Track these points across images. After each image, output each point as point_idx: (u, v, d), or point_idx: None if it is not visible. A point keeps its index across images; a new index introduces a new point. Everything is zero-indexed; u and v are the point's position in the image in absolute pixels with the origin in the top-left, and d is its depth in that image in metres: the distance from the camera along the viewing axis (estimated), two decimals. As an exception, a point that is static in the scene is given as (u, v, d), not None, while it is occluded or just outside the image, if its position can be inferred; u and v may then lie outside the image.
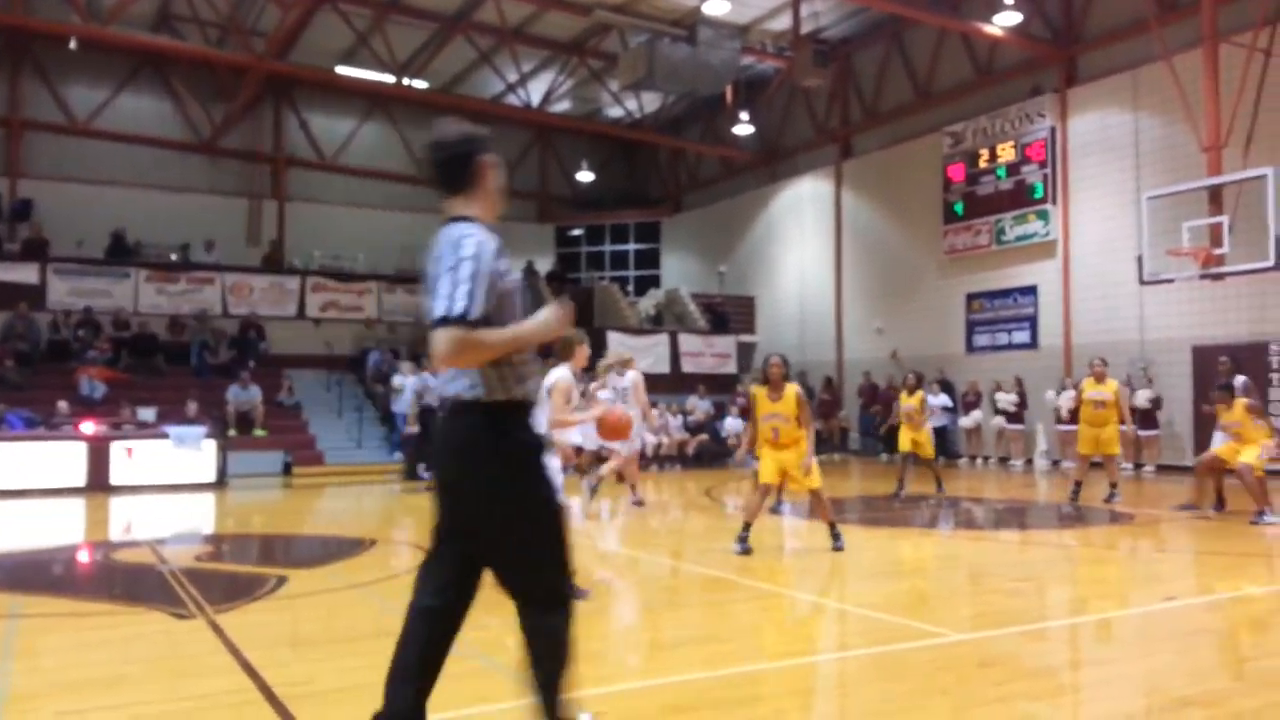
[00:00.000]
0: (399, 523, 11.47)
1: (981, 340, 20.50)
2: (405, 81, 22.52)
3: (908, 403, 13.04)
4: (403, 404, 17.17)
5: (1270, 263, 12.59)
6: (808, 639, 5.66)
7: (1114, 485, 11.78)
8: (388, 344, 21.45)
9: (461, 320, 2.75)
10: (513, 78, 23.79)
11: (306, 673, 4.61)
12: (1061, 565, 8.20)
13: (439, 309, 2.77)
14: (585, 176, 28.55)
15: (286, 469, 17.61)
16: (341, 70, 22.60)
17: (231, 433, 17.27)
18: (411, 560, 7.98)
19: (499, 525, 2.96)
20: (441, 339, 2.76)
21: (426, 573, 3.10)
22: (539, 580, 3.01)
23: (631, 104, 25.83)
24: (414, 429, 16.46)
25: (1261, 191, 12.64)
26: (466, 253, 2.83)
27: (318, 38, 21.97)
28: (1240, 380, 12.25)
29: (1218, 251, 13.43)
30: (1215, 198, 13.92)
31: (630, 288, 29.50)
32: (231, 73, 22.88)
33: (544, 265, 27.86)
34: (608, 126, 27.72)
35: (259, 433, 17.86)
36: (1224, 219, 13.49)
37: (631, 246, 31.13)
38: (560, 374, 7.00)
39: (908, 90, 22.26)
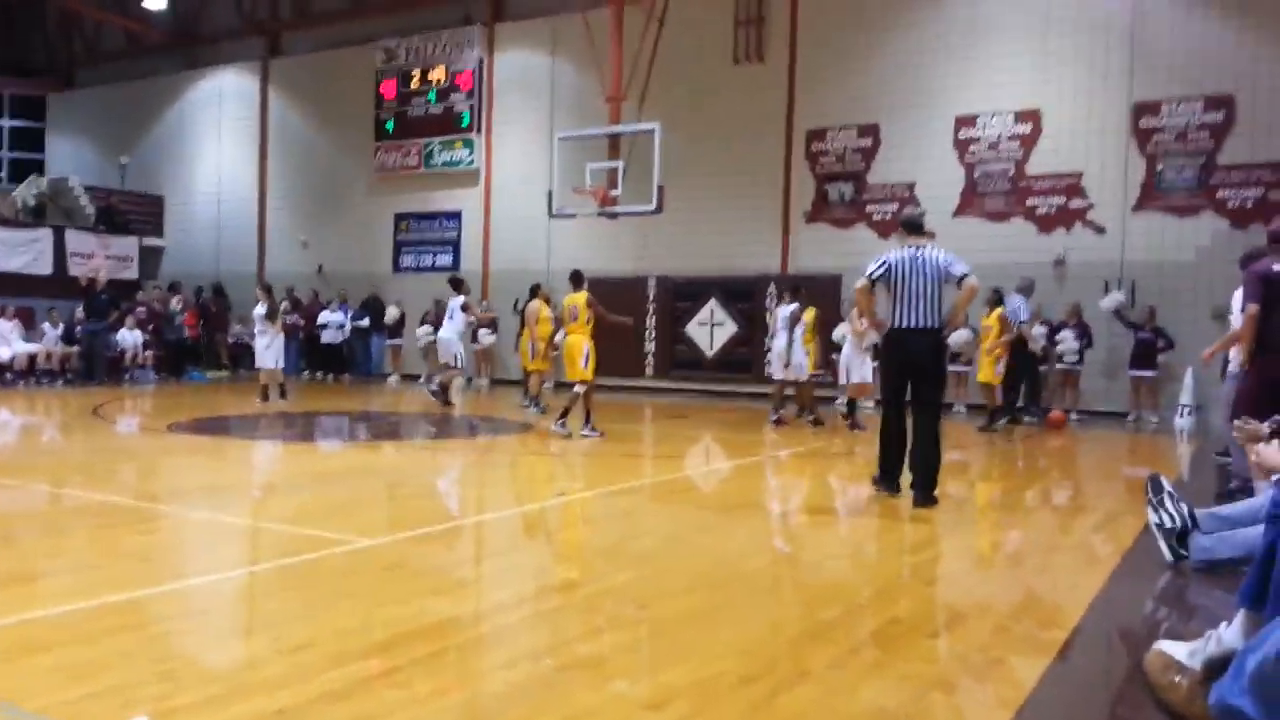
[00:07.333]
0: None
1: (408, 260, 20.85)
2: None
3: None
4: None
5: (652, 207, 14.55)
6: (210, 558, 5.23)
7: (536, 398, 13.46)
8: None
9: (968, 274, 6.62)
10: None
11: None
12: (473, 470, 8.69)
13: (968, 269, 6.57)
14: (-62, 26, 22.92)
15: None
16: None
17: None
18: None
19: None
20: (974, 283, 6.57)
21: (892, 402, 6.74)
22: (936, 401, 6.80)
23: (6, -54, 21.28)
24: None
25: (650, 143, 14.48)
26: (958, 260, 6.64)
27: None
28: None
29: (613, 193, 15.12)
30: (614, 145, 15.62)
31: (3, 172, 24.66)
32: None
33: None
34: (-28, -32, 22.55)
35: None
36: (619, 164, 15.21)
37: (6, 123, 25.88)
38: None
39: (343, -6, 21.45)
